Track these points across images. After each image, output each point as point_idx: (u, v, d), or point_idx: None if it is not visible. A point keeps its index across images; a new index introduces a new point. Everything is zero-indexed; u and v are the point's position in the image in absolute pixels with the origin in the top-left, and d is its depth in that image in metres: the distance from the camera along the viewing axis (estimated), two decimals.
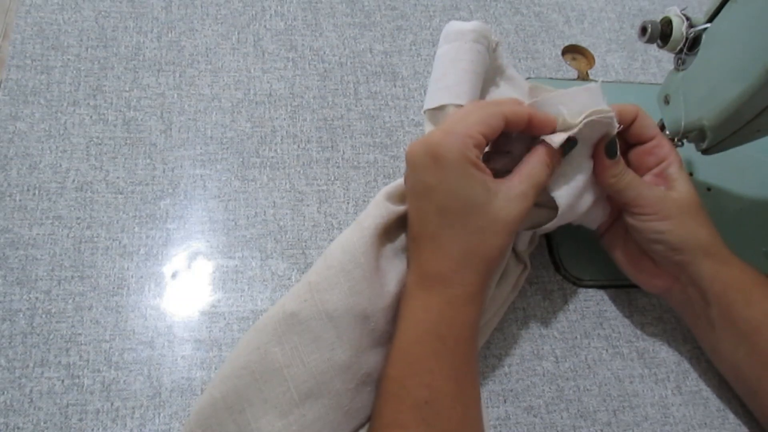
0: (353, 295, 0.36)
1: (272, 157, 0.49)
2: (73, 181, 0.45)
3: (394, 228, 0.40)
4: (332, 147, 0.50)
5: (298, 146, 0.50)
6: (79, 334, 0.40)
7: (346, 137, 0.51)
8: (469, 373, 0.37)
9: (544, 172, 0.38)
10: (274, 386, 0.35)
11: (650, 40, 0.42)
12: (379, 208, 0.39)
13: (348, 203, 0.48)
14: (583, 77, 0.58)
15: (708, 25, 0.40)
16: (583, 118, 0.38)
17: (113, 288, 0.42)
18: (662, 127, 0.48)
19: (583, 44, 0.60)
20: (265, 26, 0.55)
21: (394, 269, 0.39)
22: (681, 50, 0.42)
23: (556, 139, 0.38)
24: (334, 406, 0.35)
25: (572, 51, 0.60)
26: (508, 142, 0.41)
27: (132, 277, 0.43)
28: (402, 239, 0.41)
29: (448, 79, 0.41)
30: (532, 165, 0.38)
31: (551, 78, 0.57)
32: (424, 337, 0.35)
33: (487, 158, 0.40)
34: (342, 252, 0.37)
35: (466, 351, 0.36)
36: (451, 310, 0.36)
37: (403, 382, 0.34)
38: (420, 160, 0.36)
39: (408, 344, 0.35)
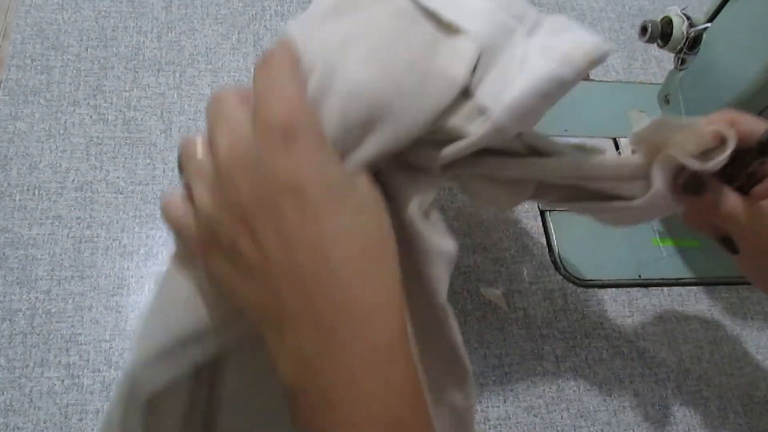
0: None
1: None
2: (73, 181, 0.45)
3: None
4: None
5: None
6: (79, 334, 0.40)
7: None
8: None
9: None
10: None
11: (650, 40, 0.42)
12: None
13: None
14: (584, 77, 0.58)
15: (708, 24, 0.40)
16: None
17: (113, 288, 0.42)
18: None
19: None
20: (265, 26, 0.55)
21: None
22: (681, 50, 0.42)
23: None
24: None
25: None
26: None
27: (132, 277, 0.43)
28: None
29: None
30: None
31: None
32: None
33: None
34: None
35: None
36: None
37: None
38: None
39: None
